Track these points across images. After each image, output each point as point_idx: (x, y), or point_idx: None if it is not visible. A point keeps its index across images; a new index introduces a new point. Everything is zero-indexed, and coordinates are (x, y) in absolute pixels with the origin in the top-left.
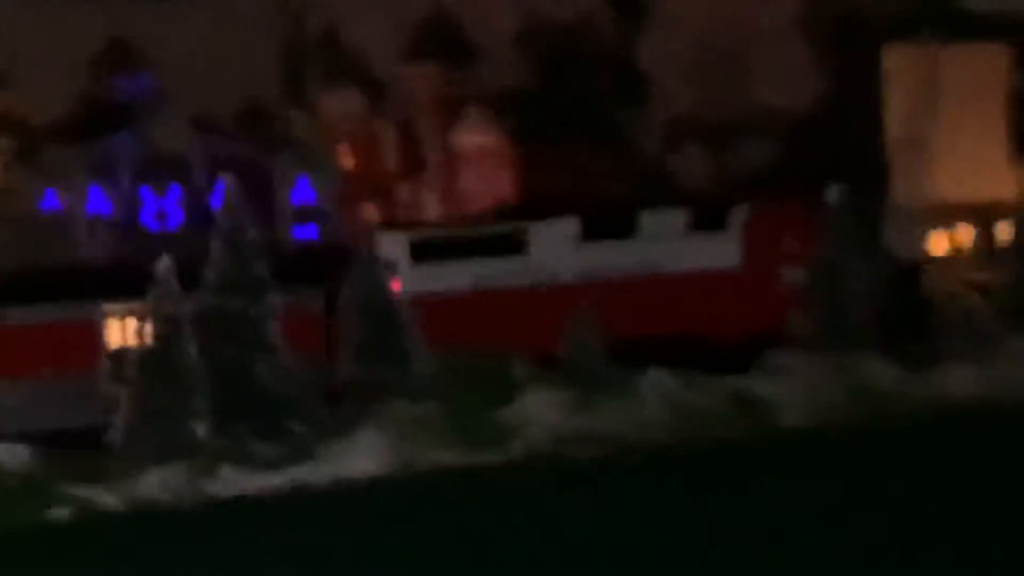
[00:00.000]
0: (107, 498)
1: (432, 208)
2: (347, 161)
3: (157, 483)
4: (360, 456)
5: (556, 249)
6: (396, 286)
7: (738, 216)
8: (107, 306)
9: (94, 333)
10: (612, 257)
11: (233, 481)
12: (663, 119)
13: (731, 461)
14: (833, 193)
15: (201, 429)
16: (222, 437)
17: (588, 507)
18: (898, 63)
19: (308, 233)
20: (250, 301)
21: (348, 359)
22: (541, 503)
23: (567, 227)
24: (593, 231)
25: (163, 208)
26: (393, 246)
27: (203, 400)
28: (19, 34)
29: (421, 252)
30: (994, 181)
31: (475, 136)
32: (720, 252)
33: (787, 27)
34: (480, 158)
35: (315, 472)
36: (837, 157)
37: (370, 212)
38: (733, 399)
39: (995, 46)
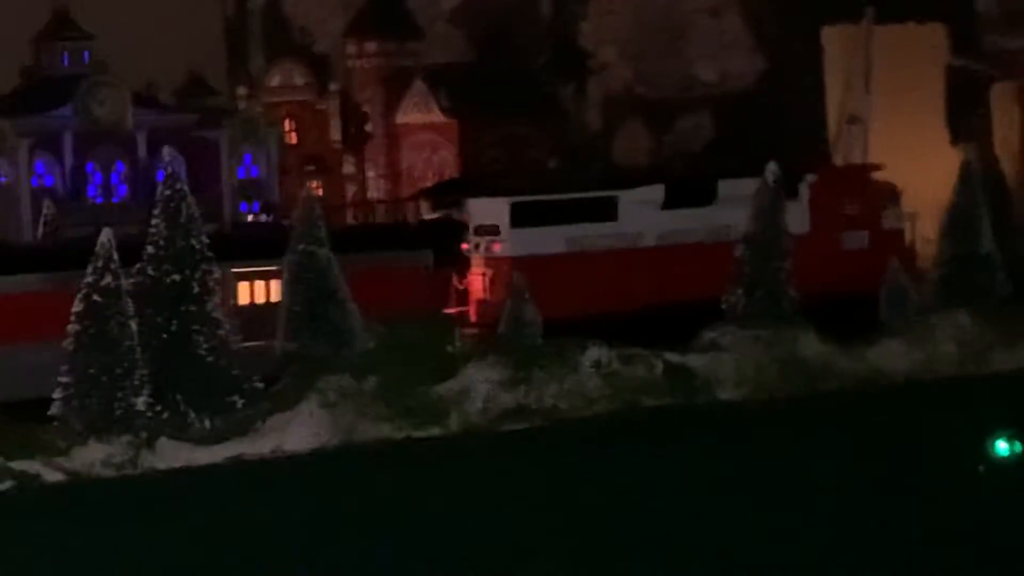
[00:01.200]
0: (46, 471)
1: (375, 182)
2: (290, 136)
3: (97, 456)
4: (300, 429)
5: (641, 214)
6: (497, 247)
7: (805, 185)
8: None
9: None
10: (692, 222)
11: (173, 454)
12: (602, 94)
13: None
14: (768, 170)
15: (140, 402)
16: (161, 410)
17: (524, 478)
18: (836, 42)
19: (253, 208)
20: (190, 274)
21: (287, 333)
22: (478, 474)
23: (652, 194)
24: (675, 198)
25: (108, 182)
26: (494, 210)
27: (142, 373)
28: None
29: (521, 216)
30: (931, 158)
31: (418, 111)
32: (792, 218)
33: (725, 4)
34: (422, 133)
35: (256, 445)
36: (775, 134)
37: (313, 187)
38: (667, 373)
39: (931, 25)
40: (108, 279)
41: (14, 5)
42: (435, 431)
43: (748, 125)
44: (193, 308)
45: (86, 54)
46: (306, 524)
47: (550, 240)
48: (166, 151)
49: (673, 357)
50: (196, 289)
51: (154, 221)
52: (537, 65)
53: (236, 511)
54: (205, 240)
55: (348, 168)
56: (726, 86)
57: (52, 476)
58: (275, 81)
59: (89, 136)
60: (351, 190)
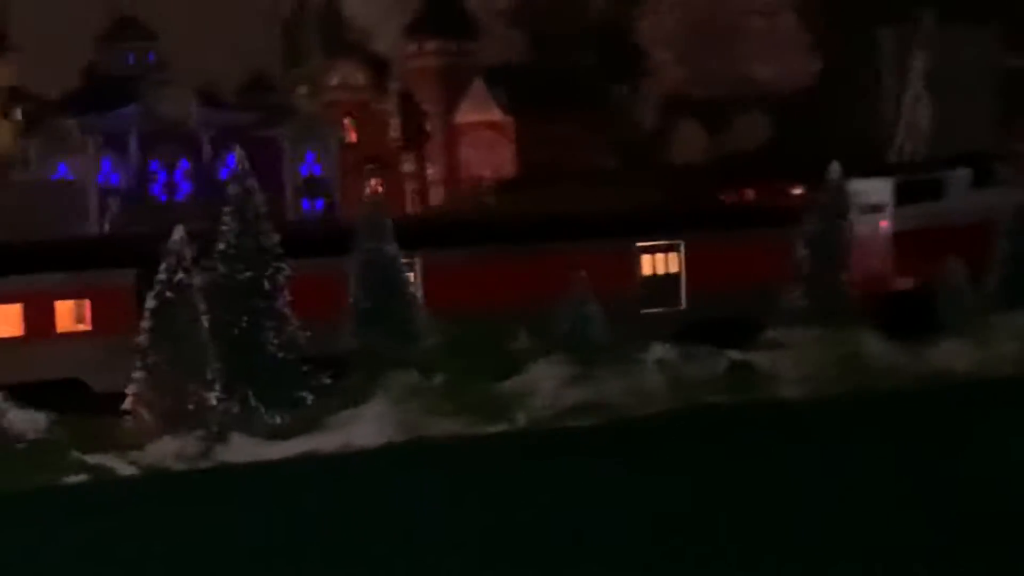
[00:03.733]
0: (120, 464)
1: (434, 179)
2: (350, 135)
3: (169, 450)
4: (368, 425)
5: (959, 194)
6: (883, 224)
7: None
8: None
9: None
10: (995, 200)
11: (244, 448)
12: (657, 94)
13: (726, 429)
14: (831, 170)
15: (212, 397)
16: (232, 405)
17: (590, 476)
18: (892, 42)
19: (315, 206)
20: (260, 271)
21: (354, 329)
22: (544, 472)
23: (966, 176)
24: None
25: (171, 179)
26: (881, 190)
27: (214, 368)
28: (30, 8)
29: (902, 194)
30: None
31: (476, 110)
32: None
33: (781, 4)
34: (480, 131)
35: (325, 440)
36: (831, 133)
37: (373, 185)
38: (730, 370)
39: (986, 27)
40: (180, 275)
41: (71, 5)
42: (501, 427)
43: (803, 124)
44: (263, 304)
45: (151, 54)
46: (374, 519)
47: (916, 217)
48: (236, 150)
49: (736, 355)
50: (266, 286)
51: (224, 218)
52: (591, 65)
53: (306, 505)
54: (275, 237)
55: (407, 166)
56: (781, 85)
57: (126, 470)
58: (335, 80)
59: (153, 135)
60: (410, 188)
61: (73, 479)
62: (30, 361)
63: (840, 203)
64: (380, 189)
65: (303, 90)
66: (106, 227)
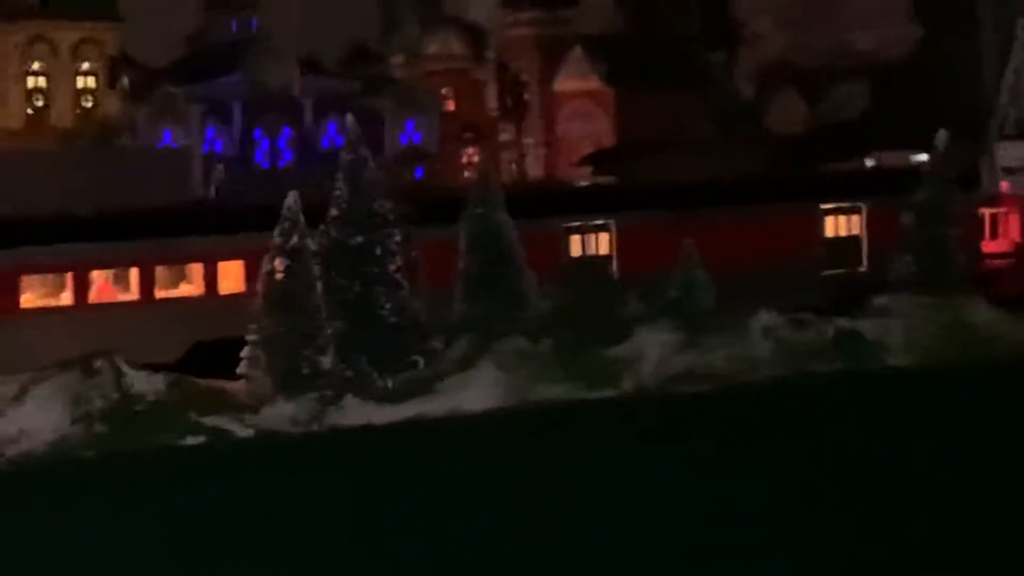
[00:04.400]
0: (237, 427)
1: (532, 150)
2: (447, 104)
3: (284, 414)
4: (477, 390)
5: None
6: (1004, 187)
7: None
8: None
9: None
10: None
11: (356, 412)
12: (756, 63)
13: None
14: (939, 138)
15: (326, 361)
16: (345, 369)
17: (693, 441)
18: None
19: (415, 174)
20: (372, 236)
21: (464, 295)
22: (651, 437)
23: None
24: None
25: (274, 147)
26: (1014, 154)
27: (327, 333)
28: None
29: None
30: None
31: (575, 79)
32: None
33: None
34: (579, 101)
35: (434, 405)
36: (932, 102)
37: (470, 154)
38: (837, 338)
39: None
40: (295, 240)
41: None
42: (608, 393)
43: (904, 94)
44: (376, 270)
45: (253, 22)
46: (483, 484)
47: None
48: (348, 117)
49: (843, 323)
50: (378, 251)
51: (337, 184)
52: (689, 34)
53: (416, 469)
54: (387, 204)
55: (503, 136)
56: (882, 55)
57: (243, 432)
58: (432, 49)
59: (257, 103)
60: (506, 157)
61: (191, 440)
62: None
63: (948, 171)
64: (476, 158)
65: (399, 59)
66: (211, 193)
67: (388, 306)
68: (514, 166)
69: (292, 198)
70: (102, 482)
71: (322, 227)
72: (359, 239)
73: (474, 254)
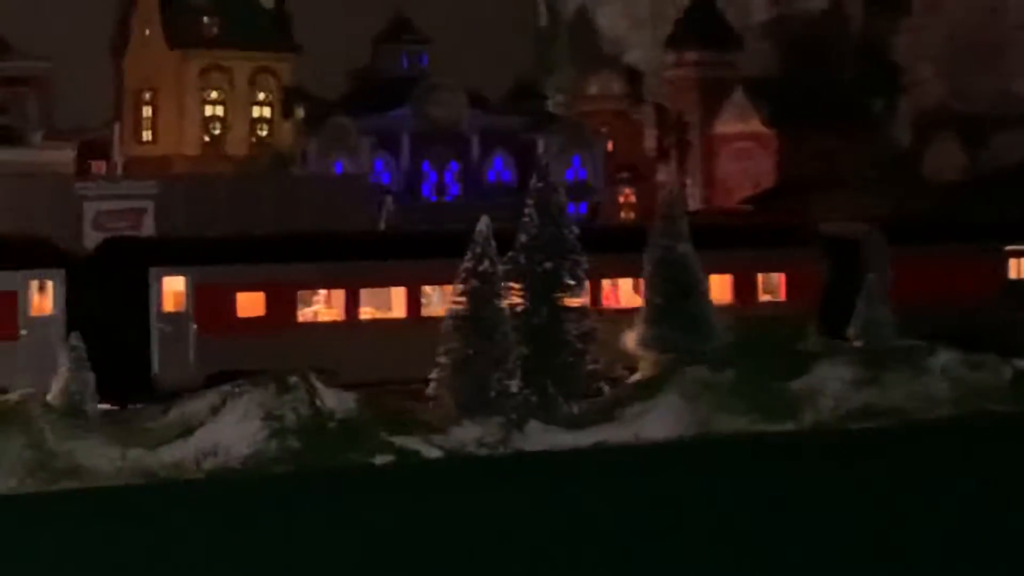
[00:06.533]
0: (424, 447)
1: (692, 191)
2: (607, 143)
3: (471, 436)
4: (660, 418)
5: None
6: None
7: None
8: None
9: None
10: None
11: (540, 437)
12: (915, 109)
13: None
14: None
15: (513, 385)
16: (531, 393)
17: (877, 478)
18: None
19: (580, 209)
20: (560, 262)
21: (647, 324)
22: (828, 472)
23: None
24: None
25: (441, 180)
26: None
27: (515, 357)
28: (312, 12)
29: None
30: None
31: (736, 121)
32: None
33: None
34: (740, 142)
35: (617, 432)
36: None
37: (626, 194)
38: (1015, 379)
39: None
40: (486, 264)
41: (355, 7)
42: (788, 427)
43: None
44: (564, 296)
45: (424, 57)
46: (659, 512)
47: None
48: (540, 145)
49: (1022, 364)
50: (567, 277)
51: (526, 211)
52: (848, 79)
53: (597, 494)
54: (575, 230)
55: (661, 176)
56: None
57: (430, 452)
58: (592, 89)
59: (425, 136)
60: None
61: (380, 459)
62: None
63: None
64: (632, 198)
65: (559, 98)
66: (382, 224)
67: (575, 332)
68: None
69: (483, 223)
70: (296, 497)
71: (511, 253)
72: (548, 265)
73: (658, 284)
